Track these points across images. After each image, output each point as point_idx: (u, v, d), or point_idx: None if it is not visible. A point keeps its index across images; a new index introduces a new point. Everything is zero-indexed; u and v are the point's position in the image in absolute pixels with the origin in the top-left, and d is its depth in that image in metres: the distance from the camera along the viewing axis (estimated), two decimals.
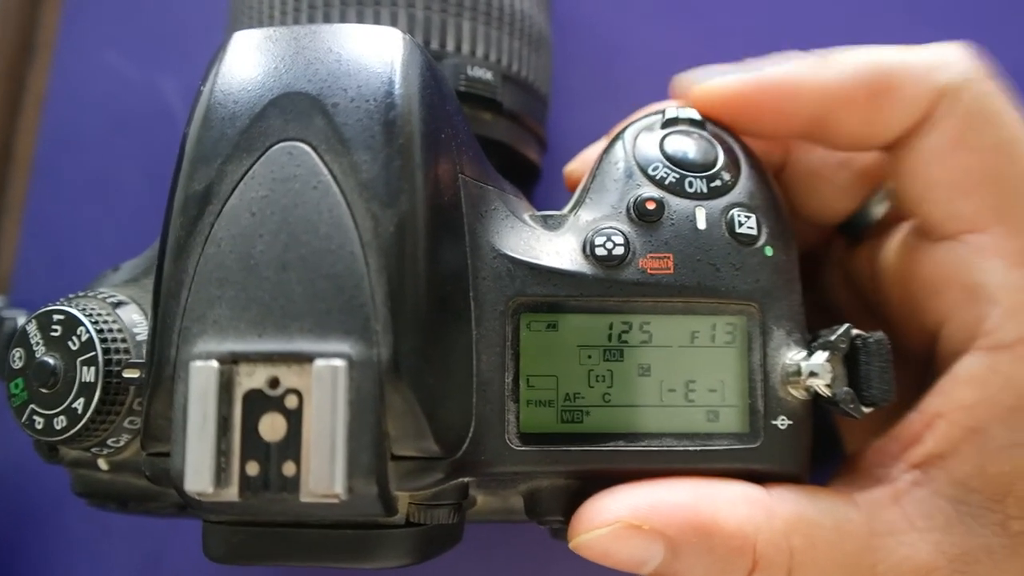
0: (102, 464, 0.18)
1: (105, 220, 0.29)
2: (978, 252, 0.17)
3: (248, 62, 0.16)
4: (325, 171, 0.15)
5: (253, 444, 0.14)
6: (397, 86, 0.16)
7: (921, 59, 0.18)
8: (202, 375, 0.14)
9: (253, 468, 0.14)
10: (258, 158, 0.15)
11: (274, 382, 0.14)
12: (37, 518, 0.28)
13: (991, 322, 0.17)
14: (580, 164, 0.23)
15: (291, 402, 0.14)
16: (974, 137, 0.17)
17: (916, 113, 0.18)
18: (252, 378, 0.14)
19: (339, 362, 0.14)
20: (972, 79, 0.18)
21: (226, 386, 0.14)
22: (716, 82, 0.19)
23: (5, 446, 0.28)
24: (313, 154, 0.15)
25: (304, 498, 0.14)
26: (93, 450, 0.18)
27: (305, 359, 0.14)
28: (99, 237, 0.29)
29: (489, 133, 0.21)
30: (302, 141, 0.15)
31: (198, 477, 0.14)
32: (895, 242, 0.20)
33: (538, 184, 0.25)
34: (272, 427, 0.14)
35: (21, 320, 0.22)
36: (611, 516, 0.16)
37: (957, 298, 0.18)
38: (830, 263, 0.23)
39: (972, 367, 0.17)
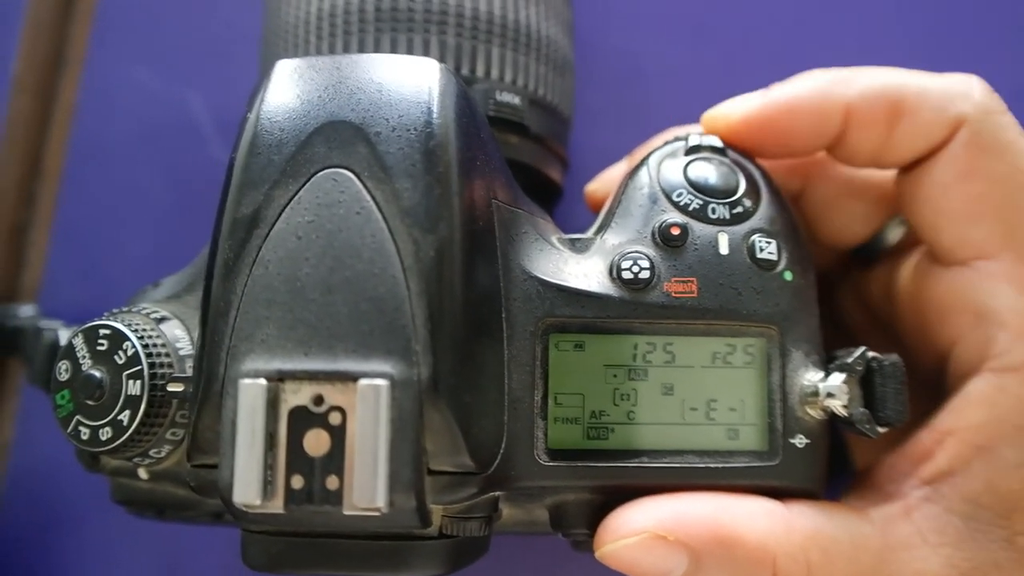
0: (142, 473, 0.19)
1: (132, 231, 0.29)
2: (987, 278, 0.18)
3: (293, 91, 0.17)
4: (368, 197, 0.16)
5: (298, 458, 0.15)
6: (435, 115, 0.16)
7: (939, 87, 0.19)
8: (250, 392, 0.15)
9: (298, 482, 0.15)
10: (304, 184, 0.16)
11: (319, 399, 0.15)
12: (61, 525, 0.28)
13: (1000, 345, 0.18)
14: (601, 184, 0.24)
15: (335, 419, 0.15)
16: (985, 166, 0.18)
17: (931, 139, 0.18)
18: (298, 395, 0.15)
19: (382, 381, 0.15)
20: (986, 110, 0.18)
21: (273, 403, 0.15)
22: (742, 105, 0.20)
23: (30, 453, 0.29)
24: (357, 181, 0.16)
25: (347, 511, 0.15)
26: (135, 460, 0.18)
27: (349, 378, 0.15)
28: (126, 248, 0.29)
29: (515, 156, 0.22)
30: (346, 168, 0.16)
31: (246, 489, 0.15)
32: (908, 267, 0.21)
33: (560, 201, 0.25)
34: (317, 443, 0.15)
35: (61, 332, 0.23)
36: (638, 527, 0.17)
37: (967, 322, 0.18)
38: (845, 285, 0.23)
39: (982, 388, 0.18)
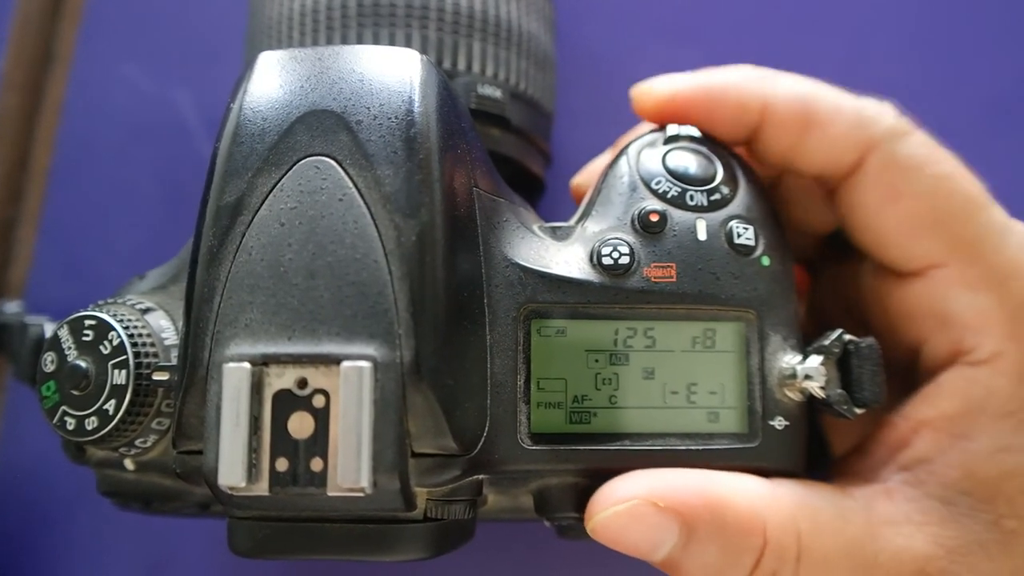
0: (128, 464, 0.19)
1: (119, 228, 0.30)
2: (943, 285, 0.19)
3: (275, 81, 0.17)
4: (350, 184, 0.16)
5: (283, 441, 0.15)
6: (416, 104, 0.17)
7: (853, 107, 0.19)
8: (235, 376, 0.15)
9: (283, 464, 0.15)
10: (286, 172, 0.16)
11: (303, 383, 0.15)
12: (46, 520, 0.28)
13: (967, 343, 0.19)
14: (586, 177, 0.24)
15: (319, 402, 0.15)
16: (908, 186, 0.19)
17: (840, 156, 0.19)
18: (282, 379, 0.15)
19: (365, 364, 0.15)
20: (895, 133, 0.19)
21: (257, 386, 0.15)
22: (670, 84, 0.20)
23: (16, 449, 0.29)
24: (339, 168, 0.16)
25: (331, 492, 0.15)
26: (121, 450, 0.18)
27: (332, 361, 0.15)
28: (113, 244, 0.29)
29: (498, 148, 0.22)
30: (328, 156, 0.16)
31: (231, 472, 0.15)
32: (869, 267, 0.21)
33: (543, 197, 0.26)
34: (301, 425, 0.15)
35: (47, 326, 0.23)
36: (629, 494, 0.17)
37: (932, 325, 0.19)
38: (823, 275, 0.24)
39: (954, 380, 0.19)
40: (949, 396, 0.18)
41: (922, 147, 0.19)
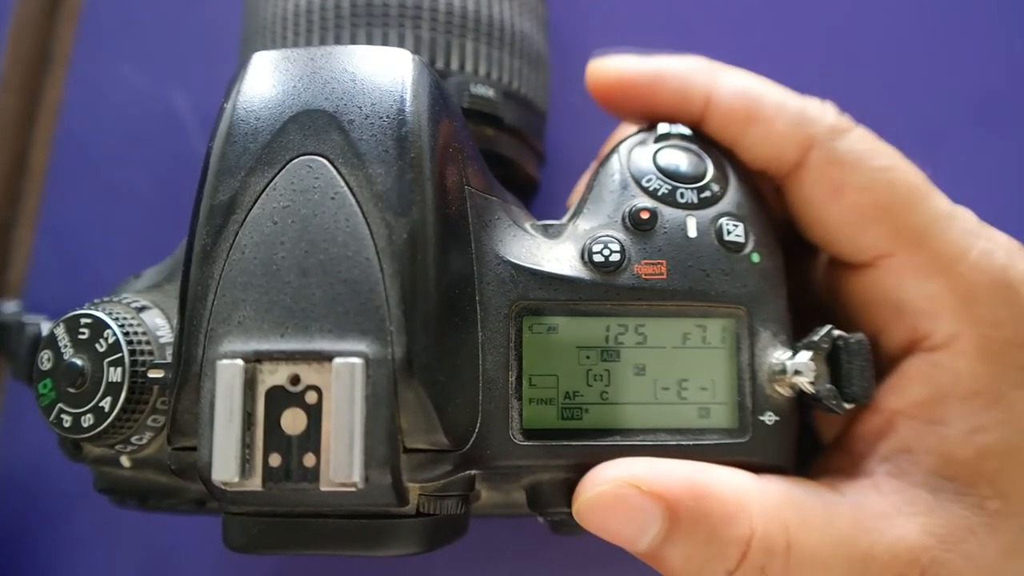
0: (124, 461, 0.19)
1: (116, 228, 0.30)
2: (893, 274, 0.19)
3: (268, 81, 0.17)
4: (342, 183, 0.16)
5: (275, 437, 0.15)
6: (408, 103, 0.17)
7: (796, 106, 0.20)
8: (228, 373, 0.15)
9: (275, 459, 0.15)
10: (279, 171, 0.16)
11: (295, 379, 0.15)
12: (45, 518, 0.28)
13: (923, 329, 0.19)
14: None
15: (311, 398, 0.15)
16: (849, 179, 0.19)
17: (781, 152, 0.20)
18: (275, 376, 0.15)
19: (356, 360, 0.15)
20: (835, 130, 0.19)
21: (250, 383, 0.15)
22: (617, 64, 0.21)
23: (14, 448, 0.29)
24: (331, 167, 0.16)
25: (324, 487, 0.15)
26: (117, 447, 0.19)
27: (324, 357, 0.15)
28: (110, 244, 0.30)
29: (491, 147, 0.22)
30: (320, 155, 0.16)
31: (224, 468, 0.15)
32: (823, 259, 0.21)
33: (537, 196, 0.26)
34: (293, 421, 0.15)
35: (44, 325, 0.23)
36: (612, 476, 0.17)
37: (887, 314, 0.19)
38: (790, 267, 0.24)
39: (918, 367, 0.19)
40: (915, 383, 0.19)
41: (862, 142, 0.19)
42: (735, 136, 0.20)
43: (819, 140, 0.19)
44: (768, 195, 0.21)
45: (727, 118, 0.20)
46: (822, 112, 0.20)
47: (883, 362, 0.20)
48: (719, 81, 0.20)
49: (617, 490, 0.17)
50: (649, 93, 0.20)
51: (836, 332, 0.19)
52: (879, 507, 0.18)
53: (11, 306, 0.26)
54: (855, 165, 0.19)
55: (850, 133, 0.20)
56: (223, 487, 0.15)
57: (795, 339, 0.19)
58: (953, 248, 0.19)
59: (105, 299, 0.19)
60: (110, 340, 0.18)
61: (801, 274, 0.23)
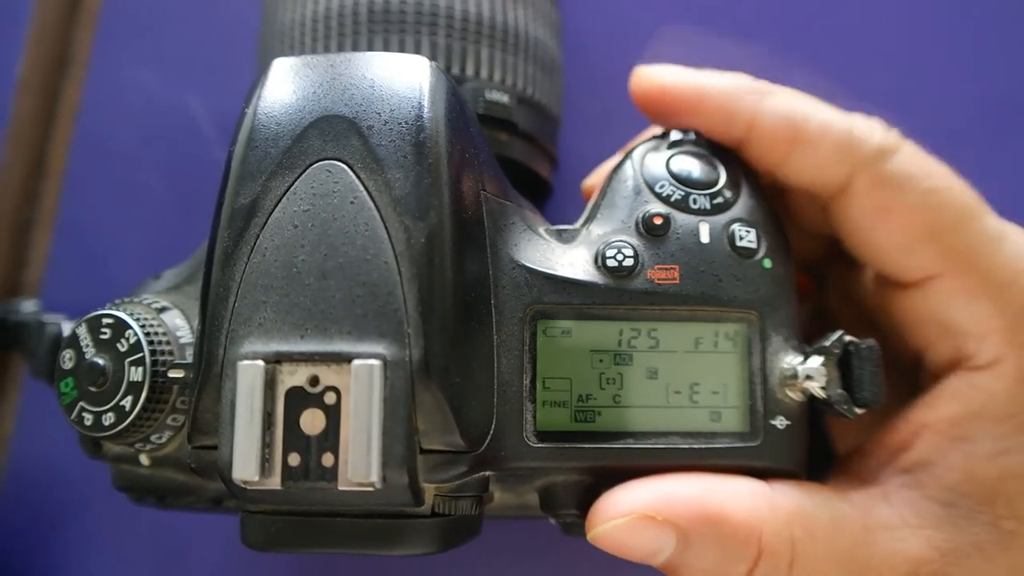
0: (144, 460, 0.20)
1: (132, 229, 0.30)
2: (941, 295, 0.19)
3: (288, 87, 0.18)
4: (361, 188, 0.17)
5: (295, 437, 0.15)
6: (426, 110, 0.17)
7: (840, 127, 0.19)
8: (249, 373, 0.15)
9: (295, 459, 0.15)
10: (299, 175, 0.17)
11: (314, 380, 0.16)
12: (61, 517, 0.29)
13: (968, 349, 0.19)
14: (597, 178, 0.25)
15: (330, 399, 0.16)
16: (898, 200, 0.19)
17: (827, 175, 0.19)
18: (294, 376, 0.16)
19: (375, 362, 0.15)
20: (883, 151, 0.19)
21: (270, 384, 0.16)
22: (663, 75, 0.20)
23: (30, 446, 0.29)
24: (350, 172, 0.17)
25: (342, 486, 0.15)
26: (137, 446, 0.19)
27: (344, 359, 0.15)
28: (126, 245, 0.30)
29: (505, 152, 0.22)
30: (340, 160, 0.17)
31: (244, 467, 0.15)
32: (871, 274, 0.21)
33: (550, 200, 0.26)
34: (312, 421, 0.16)
35: (64, 324, 0.23)
36: (626, 508, 0.17)
37: (934, 332, 0.20)
38: (832, 277, 0.24)
39: (955, 385, 0.19)
40: (950, 400, 0.19)
41: (911, 162, 0.19)
42: (779, 160, 0.20)
43: (865, 163, 0.19)
44: (814, 212, 0.21)
45: (771, 141, 0.19)
46: (868, 131, 0.19)
47: (925, 378, 0.20)
48: (764, 102, 0.20)
49: (631, 523, 0.17)
50: (692, 109, 0.20)
51: (847, 337, 0.19)
52: (885, 517, 0.18)
53: (30, 305, 0.26)
54: (903, 187, 0.19)
55: (897, 153, 0.19)
56: (243, 485, 0.15)
57: (808, 344, 0.19)
58: (1003, 271, 0.19)
59: (126, 300, 0.20)
60: (131, 340, 0.18)
61: (845, 285, 0.23)
